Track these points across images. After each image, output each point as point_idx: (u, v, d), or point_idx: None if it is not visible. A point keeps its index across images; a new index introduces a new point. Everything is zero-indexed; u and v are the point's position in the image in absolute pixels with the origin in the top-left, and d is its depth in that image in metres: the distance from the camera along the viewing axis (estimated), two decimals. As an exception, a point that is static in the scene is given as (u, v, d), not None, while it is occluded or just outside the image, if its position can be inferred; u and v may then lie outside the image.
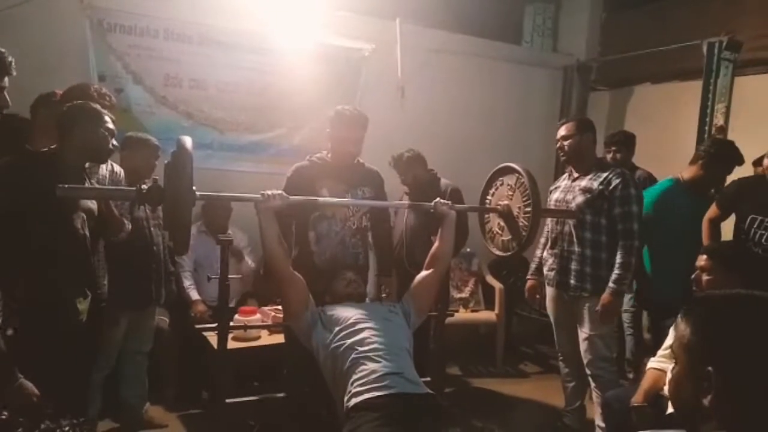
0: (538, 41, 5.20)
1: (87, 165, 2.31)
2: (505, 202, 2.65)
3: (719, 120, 3.77)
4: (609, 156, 3.68)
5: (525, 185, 2.52)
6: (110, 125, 2.23)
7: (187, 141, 1.93)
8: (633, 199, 2.76)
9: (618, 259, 2.76)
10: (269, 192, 2.17)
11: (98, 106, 2.22)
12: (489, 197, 2.80)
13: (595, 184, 2.82)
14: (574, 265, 2.87)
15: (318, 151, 2.75)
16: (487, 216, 2.82)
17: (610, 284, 2.75)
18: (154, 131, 3.31)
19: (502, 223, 2.68)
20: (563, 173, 3.16)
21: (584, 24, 5.12)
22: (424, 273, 2.45)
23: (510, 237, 2.64)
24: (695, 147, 3.81)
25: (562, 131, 2.94)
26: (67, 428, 0.89)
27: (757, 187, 2.79)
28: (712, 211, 3.00)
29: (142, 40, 3.57)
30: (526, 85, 5.01)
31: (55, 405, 1.95)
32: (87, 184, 2.24)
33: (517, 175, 2.60)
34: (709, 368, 0.92)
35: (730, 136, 3.72)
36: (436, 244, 2.48)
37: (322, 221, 2.62)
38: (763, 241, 2.66)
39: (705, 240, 2.87)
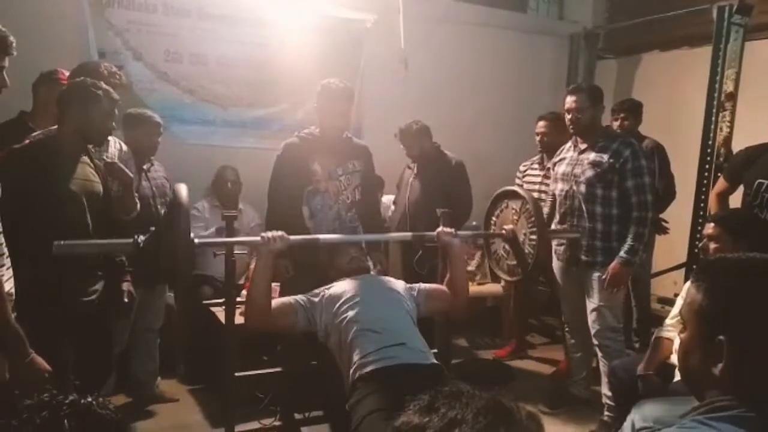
0: (543, 9, 5.10)
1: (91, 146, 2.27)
2: (510, 226, 2.62)
3: (729, 86, 3.69)
4: (616, 124, 3.64)
5: (530, 212, 2.51)
6: (108, 106, 2.15)
7: (183, 190, 1.91)
8: (645, 170, 2.77)
9: (632, 230, 2.76)
10: (270, 234, 2.11)
11: (101, 86, 2.15)
12: (494, 218, 2.78)
13: (605, 157, 2.78)
14: (584, 240, 2.85)
15: (306, 127, 2.73)
16: (492, 239, 2.81)
17: (622, 254, 2.76)
18: (156, 108, 3.29)
19: (507, 247, 2.66)
20: (567, 143, 3.12)
21: (590, -10, 5.03)
22: (444, 291, 2.37)
23: (515, 262, 2.63)
24: (707, 115, 3.76)
25: (572, 102, 2.85)
26: (89, 401, 0.90)
27: (763, 153, 2.75)
28: (720, 184, 2.95)
29: (141, 15, 3.53)
30: (532, 55, 4.92)
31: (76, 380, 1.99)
32: (88, 168, 2.18)
33: (522, 200, 2.59)
34: (721, 337, 0.89)
35: (740, 103, 3.66)
36: (447, 277, 2.37)
37: (315, 196, 2.62)
38: None
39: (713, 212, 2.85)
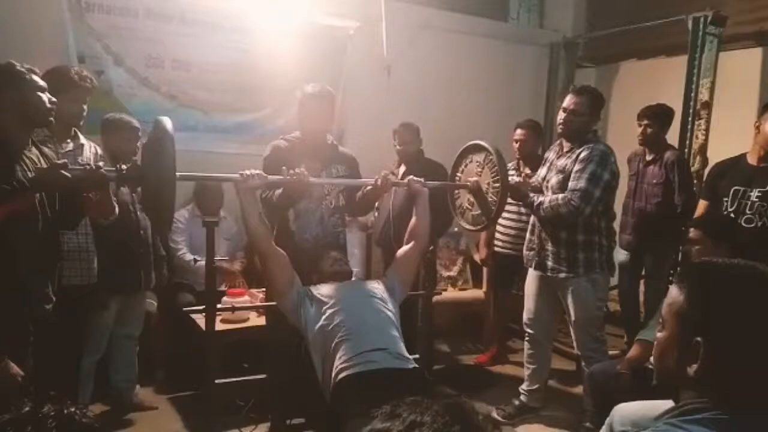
0: (524, 17, 5.17)
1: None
2: (474, 178, 2.68)
3: (704, 95, 3.78)
4: (640, 129, 3.55)
5: (493, 162, 2.57)
6: (36, 81, 2.00)
7: (165, 120, 1.91)
8: (594, 161, 2.64)
9: (558, 197, 2.67)
10: (248, 172, 2.18)
11: (17, 64, 2.00)
12: (459, 174, 2.82)
13: (569, 163, 2.74)
14: (550, 247, 2.82)
15: (293, 132, 2.74)
16: (457, 192, 2.86)
17: (534, 196, 2.78)
18: (137, 113, 3.26)
19: (472, 199, 2.72)
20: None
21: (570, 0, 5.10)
22: (405, 247, 2.51)
23: (480, 212, 2.69)
24: (683, 122, 3.83)
25: (572, 104, 2.74)
26: (71, 411, 0.88)
27: (734, 163, 2.83)
28: (701, 206, 2.98)
29: (121, 20, 3.49)
30: (513, 63, 4.98)
31: (49, 390, 1.95)
32: (37, 157, 2.05)
33: (485, 152, 2.64)
34: (698, 339, 0.91)
35: (715, 112, 3.74)
36: (413, 221, 2.52)
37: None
38: (747, 210, 2.71)
39: None
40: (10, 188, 1.80)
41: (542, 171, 2.98)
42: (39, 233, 2.00)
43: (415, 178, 2.55)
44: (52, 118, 2.06)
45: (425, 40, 4.47)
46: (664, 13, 4.13)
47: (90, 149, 2.67)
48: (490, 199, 2.60)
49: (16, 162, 1.93)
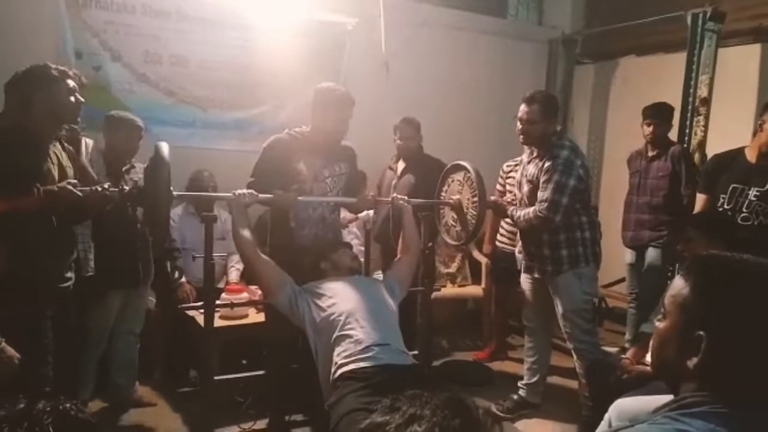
0: (523, 14, 5.17)
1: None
2: (457, 196, 2.79)
3: (703, 91, 3.77)
4: (648, 129, 3.56)
5: (471, 179, 2.69)
6: (68, 83, 2.16)
7: (163, 146, 2.12)
8: (557, 169, 2.67)
9: (530, 210, 2.73)
10: (239, 191, 2.35)
11: (53, 66, 2.15)
12: (443, 194, 2.92)
13: (536, 172, 2.77)
14: (533, 249, 2.88)
15: (298, 126, 2.72)
16: (442, 210, 2.97)
17: (512, 209, 2.88)
18: (135, 109, 3.26)
19: (455, 216, 2.82)
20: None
21: (569, -4, 5.10)
22: (401, 256, 2.64)
23: (461, 228, 2.80)
24: (681, 119, 3.82)
25: (524, 114, 2.76)
26: (66, 407, 0.87)
27: (734, 159, 2.82)
28: (700, 200, 2.96)
29: (119, 16, 3.48)
30: (511, 59, 4.97)
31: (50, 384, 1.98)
32: (60, 152, 2.20)
33: (464, 171, 2.76)
34: (701, 333, 0.90)
35: (714, 108, 3.74)
36: (403, 233, 2.68)
37: (299, 196, 2.61)
38: (744, 208, 2.70)
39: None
40: (29, 192, 1.98)
41: (517, 174, 3.04)
42: (54, 225, 2.14)
43: (398, 196, 2.73)
44: (79, 118, 2.29)
45: (424, 37, 4.46)
46: (663, 9, 4.12)
47: (84, 145, 2.68)
48: (470, 216, 2.71)
49: (44, 155, 2.10)
